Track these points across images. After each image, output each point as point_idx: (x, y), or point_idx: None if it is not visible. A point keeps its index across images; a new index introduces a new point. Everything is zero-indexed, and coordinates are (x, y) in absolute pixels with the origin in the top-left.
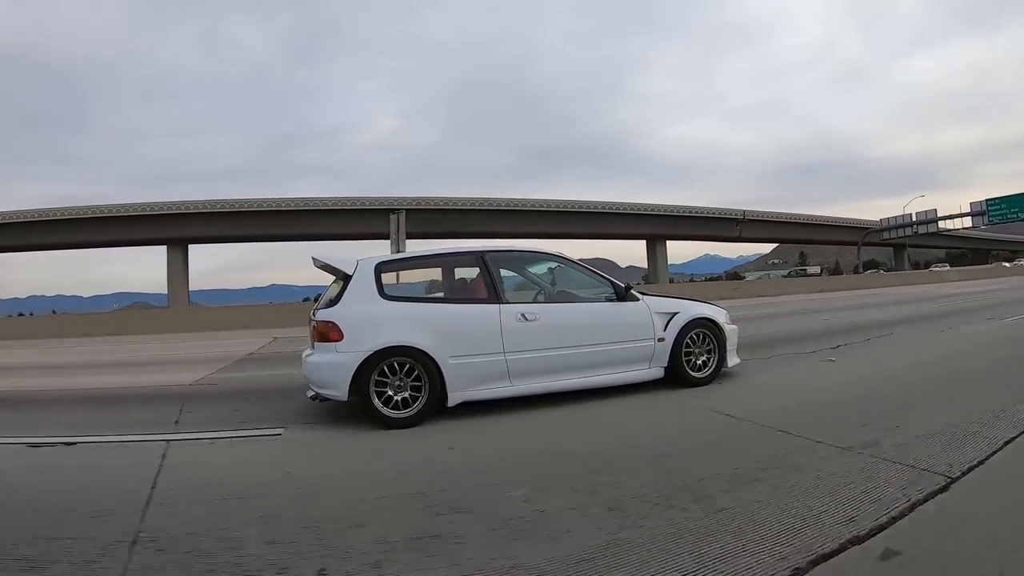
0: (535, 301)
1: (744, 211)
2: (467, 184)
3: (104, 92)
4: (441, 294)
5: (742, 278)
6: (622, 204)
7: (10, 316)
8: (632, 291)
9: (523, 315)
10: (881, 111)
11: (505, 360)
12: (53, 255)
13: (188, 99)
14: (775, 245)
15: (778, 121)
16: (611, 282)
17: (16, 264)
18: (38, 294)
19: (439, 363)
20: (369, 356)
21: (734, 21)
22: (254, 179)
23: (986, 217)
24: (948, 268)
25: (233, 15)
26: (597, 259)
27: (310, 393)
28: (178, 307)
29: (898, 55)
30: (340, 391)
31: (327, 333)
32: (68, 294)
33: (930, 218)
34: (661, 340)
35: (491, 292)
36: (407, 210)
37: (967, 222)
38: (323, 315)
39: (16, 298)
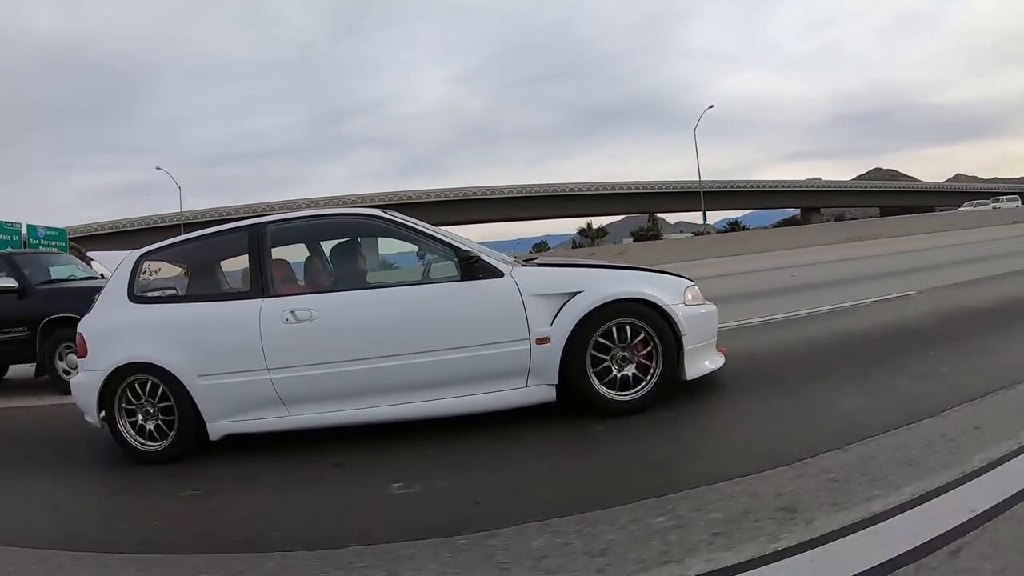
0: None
1: None
2: (519, 148)
3: (151, 82)
4: (197, 289)
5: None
6: None
7: None
8: (484, 261)
9: (292, 313)
10: (938, 56)
11: (271, 380)
12: None
13: (236, 81)
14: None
15: (833, 70)
16: (453, 249)
17: None
18: None
19: (185, 384)
20: (109, 376)
21: None
22: (305, 154)
23: None
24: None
25: None
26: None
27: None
28: None
29: None
30: (93, 417)
31: (78, 347)
32: None
33: None
34: (543, 341)
35: (256, 282)
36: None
37: None
38: (80, 324)
39: None
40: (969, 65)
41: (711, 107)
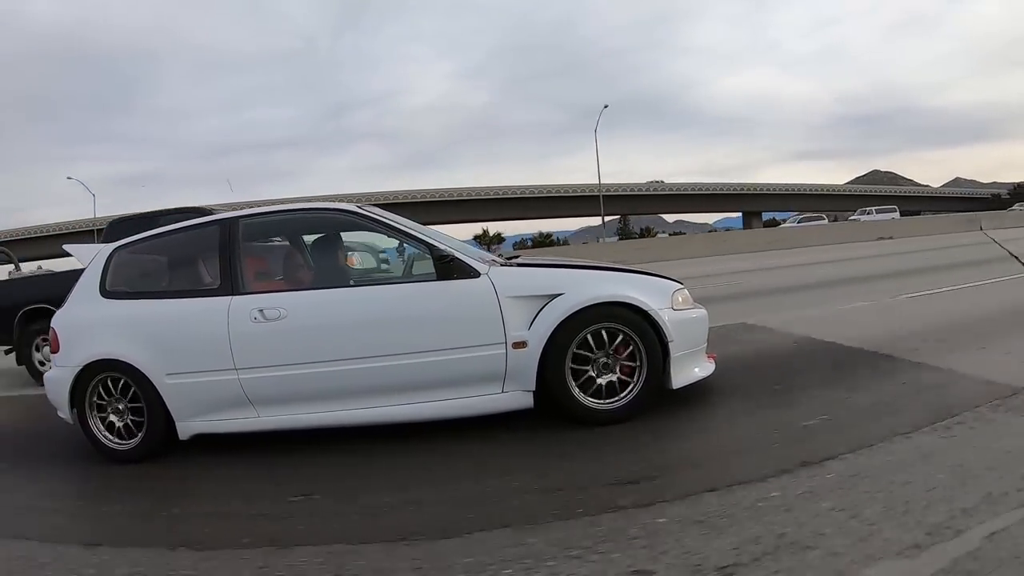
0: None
1: None
2: (521, 143)
3: (152, 74)
4: (167, 285)
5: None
6: None
7: None
8: (459, 260)
9: (261, 312)
10: (941, 59)
11: (239, 380)
12: None
13: (238, 74)
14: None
15: (836, 69)
16: (429, 247)
17: None
18: None
19: (154, 382)
20: (80, 372)
21: None
22: (306, 147)
23: None
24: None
25: None
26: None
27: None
28: None
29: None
30: (65, 413)
31: (51, 341)
32: None
33: None
34: (520, 345)
35: (225, 278)
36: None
37: None
38: (53, 318)
39: None
40: (973, 69)
41: (606, 107)
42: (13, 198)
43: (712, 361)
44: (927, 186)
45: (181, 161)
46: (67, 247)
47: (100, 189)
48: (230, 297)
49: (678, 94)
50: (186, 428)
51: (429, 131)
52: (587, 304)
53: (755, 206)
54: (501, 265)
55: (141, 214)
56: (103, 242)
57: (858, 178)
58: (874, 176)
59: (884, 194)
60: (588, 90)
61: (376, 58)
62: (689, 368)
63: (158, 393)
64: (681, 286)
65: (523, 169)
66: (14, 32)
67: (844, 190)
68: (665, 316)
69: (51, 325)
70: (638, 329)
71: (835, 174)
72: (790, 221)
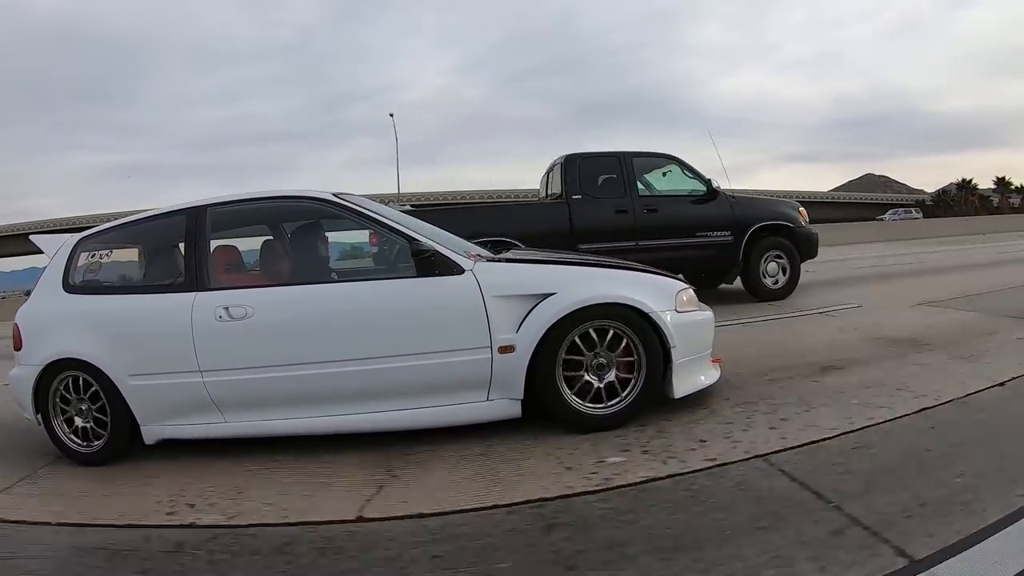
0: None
1: None
2: (516, 140)
3: (154, 62)
4: (136, 279)
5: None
6: None
7: None
8: (441, 255)
9: (226, 310)
10: (942, 62)
11: (203, 383)
12: None
13: (237, 65)
14: None
15: (834, 73)
16: (408, 240)
17: None
18: None
19: (116, 383)
20: (43, 370)
21: None
22: (304, 139)
23: None
24: None
25: None
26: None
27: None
28: None
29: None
30: (29, 413)
31: (13, 338)
32: None
33: None
34: (507, 349)
35: (191, 272)
36: None
37: None
38: (16, 314)
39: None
40: (971, 75)
41: (391, 115)
42: (8, 186)
43: (717, 366)
44: (920, 191)
45: (173, 151)
46: (33, 238)
47: (89, 180)
48: (195, 293)
49: (678, 93)
50: (151, 433)
51: (426, 126)
52: (581, 306)
53: None
54: (488, 260)
55: (597, 153)
56: (563, 177)
57: (851, 181)
58: (867, 180)
59: (869, 201)
60: (587, 88)
61: (375, 51)
62: (694, 375)
63: (121, 395)
64: (686, 285)
65: (521, 167)
66: (10, 17)
67: (828, 197)
68: (667, 319)
69: (15, 321)
70: (638, 333)
71: (828, 177)
72: None
